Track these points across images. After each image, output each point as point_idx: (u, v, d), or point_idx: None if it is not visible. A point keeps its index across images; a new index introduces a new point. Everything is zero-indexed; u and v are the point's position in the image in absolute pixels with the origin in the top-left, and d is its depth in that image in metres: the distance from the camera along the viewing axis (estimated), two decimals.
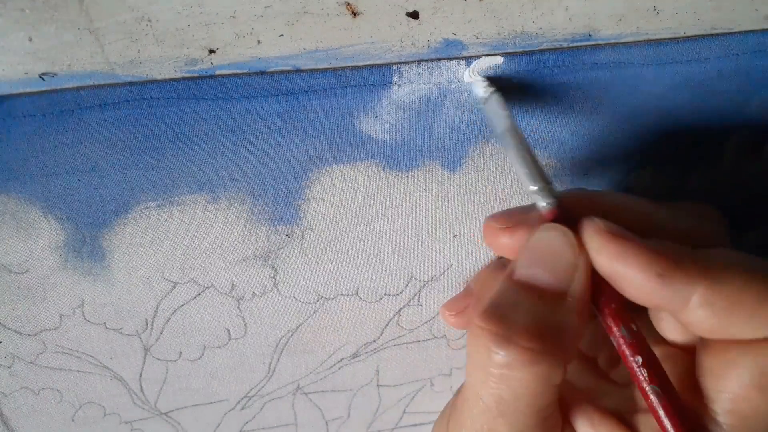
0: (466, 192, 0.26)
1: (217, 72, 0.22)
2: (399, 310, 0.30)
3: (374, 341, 0.31)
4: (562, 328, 0.19)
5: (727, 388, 0.19)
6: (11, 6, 0.19)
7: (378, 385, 0.33)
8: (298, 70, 0.22)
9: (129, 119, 0.22)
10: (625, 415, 0.21)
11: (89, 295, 0.27)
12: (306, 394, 0.32)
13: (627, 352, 0.19)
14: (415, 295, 0.29)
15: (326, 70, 0.22)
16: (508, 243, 0.21)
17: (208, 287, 0.28)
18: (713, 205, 0.25)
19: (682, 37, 0.23)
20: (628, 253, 0.18)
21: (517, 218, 0.21)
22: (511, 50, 0.23)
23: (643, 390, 0.19)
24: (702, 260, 0.18)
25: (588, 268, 0.19)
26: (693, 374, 0.20)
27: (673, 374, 0.20)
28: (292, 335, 0.30)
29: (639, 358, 0.19)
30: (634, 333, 0.19)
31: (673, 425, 0.18)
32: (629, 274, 0.18)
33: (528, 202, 0.22)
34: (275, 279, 0.28)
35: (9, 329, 0.28)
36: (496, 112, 0.22)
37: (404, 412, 0.35)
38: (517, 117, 0.24)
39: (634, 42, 0.23)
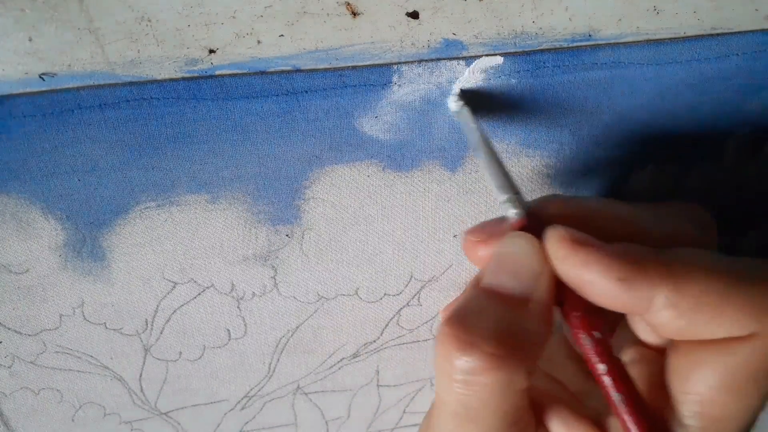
0: (466, 192, 0.26)
1: (217, 72, 0.22)
2: (399, 310, 0.30)
3: (374, 341, 0.31)
4: (525, 334, 0.19)
5: (694, 390, 0.19)
6: (11, 6, 0.19)
7: (378, 385, 0.33)
8: (298, 70, 0.22)
9: (129, 119, 0.22)
10: (602, 417, 0.21)
11: (89, 295, 0.27)
12: (306, 394, 0.32)
13: (591, 359, 0.19)
14: (415, 295, 0.29)
15: (326, 70, 0.22)
16: (484, 255, 0.21)
17: (208, 287, 0.28)
18: (712, 204, 0.25)
19: (682, 37, 0.23)
20: (588, 260, 0.18)
21: (491, 230, 0.21)
22: (511, 50, 0.23)
23: (608, 396, 0.19)
24: (665, 261, 0.18)
25: (551, 275, 0.19)
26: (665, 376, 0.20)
27: (647, 376, 0.20)
28: (292, 335, 0.30)
29: (603, 366, 0.19)
30: (598, 340, 0.19)
31: (639, 431, 0.18)
32: (591, 280, 0.18)
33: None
34: (275, 279, 0.28)
35: (9, 329, 0.28)
36: (467, 125, 0.22)
37: (404, 412, 0.35)
38: (517, 117, 0.24)
39: (634, 42, 0.23)
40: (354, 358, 0.31)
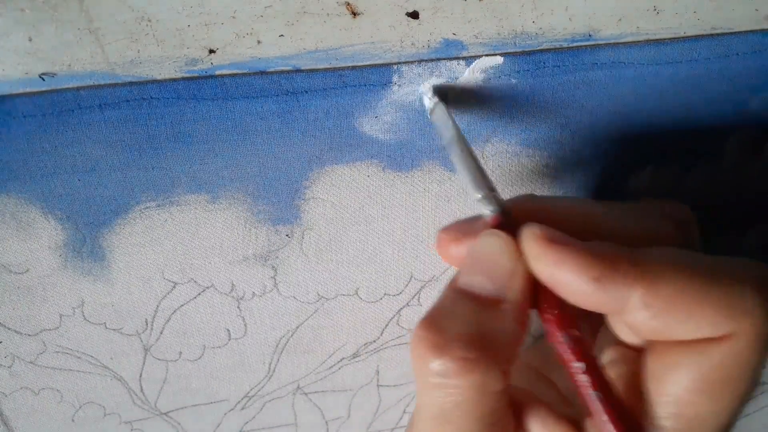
0: (466, 192, 0.26)
1: (217, 72, 0.22)
2: (399, 310, 0.30)
3: (374, 341, 0.31)
4: (498, 336, 0.19)
5: (669, 391, 0.18)
6: (11, 6, 0.19)
7: (378, 385, 0.33)
8: (298, 70, 0.22)
9: (129, 119, 0.22)
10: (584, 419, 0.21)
11: (89, 295, 0.27)
12: (306, 394, 0.32)
13: (567, 358, 0.19)
14: (415, 295, 0.29)
15: (326, 70, 0.22)
16: (458, 254, 0.21)
17: (208, 287, 0.28)
18: (713, 204, 0.25)
19: (682, 37, 0.23)
20: (564, 259, 0.18)
21: (465, 229, 0.21)
22: (511, 50, 0.23)
23: (584, 396, 0.19)
24: (640, 261, 0.18)
25: (526, 274, 0.19)
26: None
27: (626, 376, 0.20)
28: (292, 335, 0.30)
29: (579, 365, 0.19)
30: (574, 339, 0.19)
31: (616, 430, 0.18)
32: (566, 279, 0.18)
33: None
34: (275, 279, 0.28)
35: (9, 329, 0.28)
36: (442, 122, 0.22)
37: (404, 412, 0.35)
38: (517, 117, 0.24)
39: (634, 42, 0.23)
40: (354, 358, 0.31)
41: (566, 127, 0.25)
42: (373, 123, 0.24)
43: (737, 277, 0.18)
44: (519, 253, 0.19)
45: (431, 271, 0.28)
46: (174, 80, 0.22)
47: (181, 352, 0.30)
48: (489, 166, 0.26)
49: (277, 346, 0.30)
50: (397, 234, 0.27)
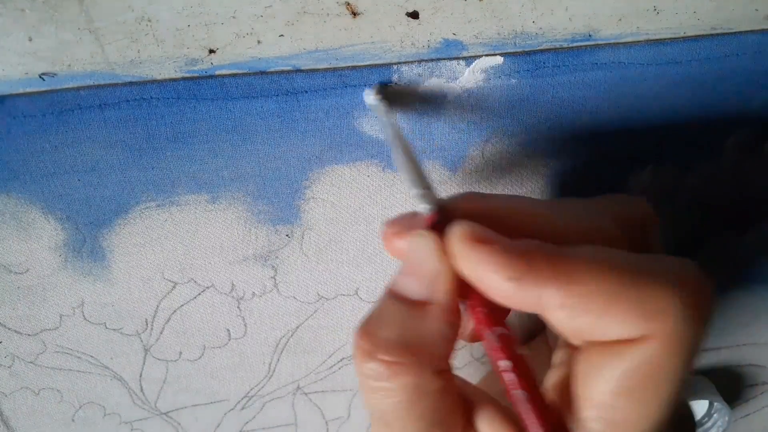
0: (467, 191, 0.26)
1: (217, 72, 0.22)
2: None
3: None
4: (425, 338, 0.19)
5: (593, 395, 0.18)
6: (11, 6, 0.19)
7: None
8: (298, 70, 0.22)
9: (129, 119, 0.22)
10: None
11: (89, 295, 0.27)
12: (306, 394, 0.32)
13: (494, 356, 0.19)
14: None
15: (326, 70, 0.22)
16: (400, 247, 0.21)
17: (208, 287, 0.28)
18: (712, 203, 0.25)
19: (682, 37, 0.23)
20: (483, 258, 0.18)
21: (407, 223, 0.21)
22: (511, 50, 0.23)
23: (510, 394, 0.19)
24: (557, 260, 0.18)
25: (452, 274, 0.19)
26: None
27: (565, 378, 0.20)
28: (292, 335, 0.30)
29: (504, 363, 0.19)
30: (500, 336, 0.19)
31: (539, 429, 0.18)
32: (485, 278, 0.18)
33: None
34: (275, 279, 0.28)
35: (9, 329, 0.28)
36: (382, 119, 0.22)
37: None
38: (517, 117, 0.24)
39: (634, 42, 0.23)
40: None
41: (566, 127, 0.25)
42: (373, 123, 0.24)
43: (655, 277, 0.17)
44: (446, 253, 0.19)
45: None
46: (174, 80, 0.22)
47: (181, 352, 0.30)
48: (489, 166, 0.26)
49: (277, 346, 0.30)
50: None
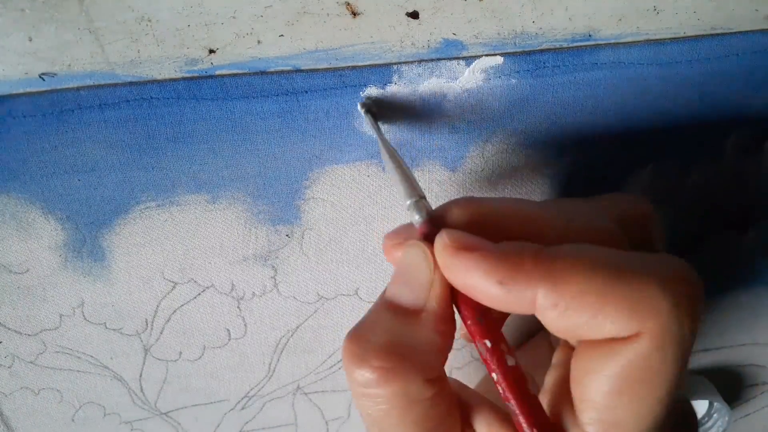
0: (467, 192, 0.26)
1: (217, 72, 0.22)
2: None
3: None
4: (417, 345, 0.19)
5: (589, 396, 0.18)
6: (11, 6, 0.19)
7: None
8: (298, 70, 0.22)
9: (129, 119, 0.22)
10: None
11: (89, 295, 0.27)
12: (306, 394, 0.32)
13: (488, 366, 0.19)
14: None
15: (326, 70, 0.22)
16: (398, 257, 0.21)
17: (208, 287, 0.28)
18: (712, 203, 0.25)
19: (682, 37, 0.23)
20: (470, 264, 0.18)
21: (405, 234, 0.21)
22: (511, 50, 0.23)
23: (506, 400, 0.19)
24: (545, 260, 0.18)
25: (444, 282, 0.19)
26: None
27: (563, 380, 0.20)
28: (292, 335, 0.30)
29: (495, 375, 0.19)
30: (489, 349, 0.19)
31: None
32: (474, 284, 0.18)
33: None
34: (275, 279, 0.28)
35: (9, 329, 0.28)
36: (375, 133, 0.22)
37: None
38: (517, 117, 0.24)
39: (634, 42, 0.23)
40: None
41: (566, 127, 0.25)
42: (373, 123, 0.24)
43: (645, 274, 0.17)
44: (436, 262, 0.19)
45: None
46: (174, 80, 0.22)
47: (181, 352, 0.30)
48: (489, 166, 0.26)
49: (277, 346, 0.30)
50: None
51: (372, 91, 0.23)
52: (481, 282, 0.18)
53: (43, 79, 0.21)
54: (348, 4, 0.21)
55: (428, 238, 0.20)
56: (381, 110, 0.23)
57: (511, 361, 0.19)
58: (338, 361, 0.31)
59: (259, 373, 0.31)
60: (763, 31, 0.23)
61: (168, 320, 0.28)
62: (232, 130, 0.23)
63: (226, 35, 0.21)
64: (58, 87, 0.21)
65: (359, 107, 0.23)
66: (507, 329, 0.25)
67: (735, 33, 0.23)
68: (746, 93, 0.25)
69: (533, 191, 0.27)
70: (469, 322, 0.19)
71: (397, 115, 0.24)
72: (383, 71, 0.23)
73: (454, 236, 0.19)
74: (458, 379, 0.23)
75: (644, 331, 0.17)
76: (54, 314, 0.27)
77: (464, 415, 0.21)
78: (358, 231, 0.27)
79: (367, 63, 0.22)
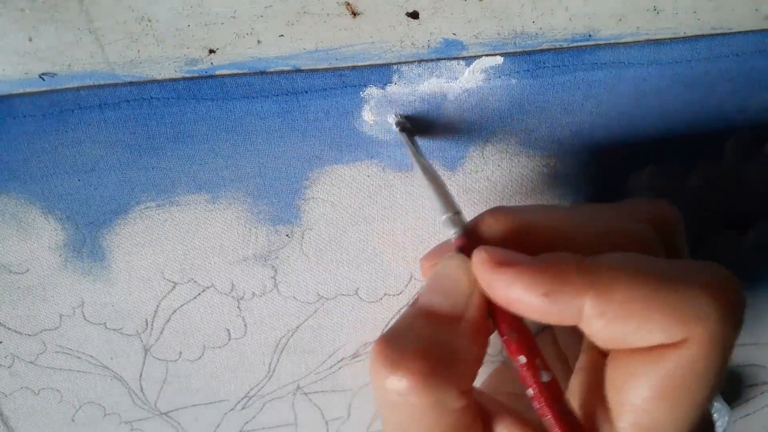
0: (467, 191, 0.26)
1: (217, 72, 0.22)
2: (399, 310, 0.30)
3: (374, 341, 0.31)
4: (454, 353, 0.19)
5: (628, 401, 0.18)
6: (11, 6, 0.19)
7: None
8: (298, 70, 0.22)
9: (129, 119, 0.22)
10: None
11: (89, 295, 0.27)
12: (306, 394, 0.32)
13: (525, 383, 0.19)
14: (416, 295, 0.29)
15: (326, 70, 0.22)
16: None
17: (208, 287, 0.28)
18: (712, 204, 0.25)
19: (682, 37, 0.23)
20: (511, 279, 0.18)
21: (442, 253, 0.21)
22: (511, 50, 0.23)
23: (543, 413, 0.19)
24: (589, 269, 0.18)
25: (482, 294, 0.19)
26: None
27: (593, 384, 0.20)
28: (292, 335, 0.30)
29: (530, 390, 0.19)
30: (523, 365, 0.19)
31: None
32: (517, 298, 0.18)
33: None
34: (275, 279, 0.28)
35: (9, 329, 0.28)
36: (409, 150, 0.23)
37: None
38: (517, 117, 0.24)
39: (634, 42, 0.23)
40: (354, 358, 0.31)
41: (566, 127, 0.25)
42: (373, 123, 0.24)
43: (690, 281, 0.17)
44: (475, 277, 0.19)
45: None
46: (174, 80, 0.22)
47: (181, 352, 0.30)
48: (489, 166, 0.26)
49: (277, 346, 0.30)
50: (397, 234, 0.27)
51: (400, 110, 0.23)
52: (525, 295, 0.18)
53: (43, 79, 0.21)
54: (348, 4, 0.21)
55: (464, 252, 0.20)
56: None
57: (546, 377, 0.19)
58: (338, 361, 0.31)
59: (259, 373, 0.31)
60: (763, 31, 0.23)
61: (168, 320, 0.28)
62: (232, 130, 0.23)
63: (226, 35, 0.21)
64: (58, 87, 0.21)
65: (394, 126, 0.23)
66: None
67: (735, 33, 0.23)
68: (746, 93, 0.25)
69: (533, 191, 0.27)
70: (505, 337, 0.19)
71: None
72: (383, 71, 0.23)
73: (491, 252, 0.19)
74: None
75: (690, 337, 0.17)
76: (54, 314, 0.27)
77: (486, 423, 0.21)
78: (358, 231, 0.27)
79: (367, 63, 0.22)
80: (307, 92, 0.23)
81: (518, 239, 0.19)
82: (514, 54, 0.23)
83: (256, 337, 0.30)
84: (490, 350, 0.32)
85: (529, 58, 0.23)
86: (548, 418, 0.19)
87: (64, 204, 0.24)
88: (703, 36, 0.23)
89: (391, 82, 0.23)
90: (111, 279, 0.27)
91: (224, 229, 0.26)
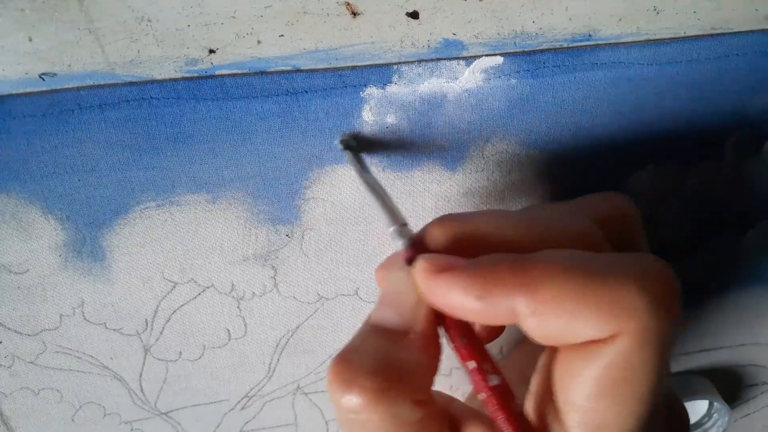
0: (467, 192, 0.26)
1: (217, 72, 0.22)
2: None
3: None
4: (406, 366, 0.19)
5: (572, 399, 0.18)
6: (11, 6, 0.19)
7: None
8: (298, 70, 0.22)
9: (129, 119, 0.22)
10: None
11: (89, 295, 0.27)
12: (306, 394, 0.32)
13: (476, 385, 0.19)
14: None
15: (326, 70, 0.22)
16: None
17: (208, 287, 0.28)
18: (712, 204, 0.25)
19: (682, 37, 0.23)
20: (447, 285, 0.18)
21: (393, 263, 0.21)
22: (511, 50, 0.23)
23: (494, 415, 0.19)
24: (520, 269, 0.18)
25: (428, 305, 0.19)
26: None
27: (548, 384, 0.20)
28: (292, 335, 0.30)
29: (482, 394, 0.19)
30: (473, 370, 0.19)
31: None
32: (454, 303, 0.18)
33: None
34: (275, 279, 0.28)
35: (9, 329, 0.28)
36: (354, 167, 0.23)
37: None
38: (517, 117, 0.24)
39: (634, 42, 0.23)
40: None
41: (566, 127, 0.25)
42: (373, 123, 0.24)
43: (621, 275, 0.17)
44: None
45: None
46: (174, 80, 0.22)
47: (181, 352, 0.30)
48: (489, 166, 0.26)
49: (277, 346, 0.30)
50: None
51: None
52: (461, 299, 0.18)
53: (43, 79, 0.21)
54: (348, 4, 0.21)
55: (412, 263, 0.20)
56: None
57: (495, 380, 0.19)
58: None
59: (259, 373, 0.31)
60: (763, 31, 0.23)
61: (168, 320, 0.28)
62: (232, 130, 0.23)
63: (226, 35, 0.21)
64: (58, 87, 0.21)
65: (338, 144, 0.24)
66: (505, 330, 0.25)
67: (735, 33, 0.23)
68: (746, 93, 0.25)
69: (533, 191, 0.27)
70: (454, 345, 0.19)
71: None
72: (383, 71, 0.23)
73: (430, 260, 0.19)
74: (447, 384, 0.23)
75: (623, 332, 0.17)
76: (54, 314, 0.27)
77: (454, 430, 0.21)
78: (358, 231, 0.27)
79: (367, 63, 0.22)
80: (307, 92, 0.23)
81: (463, 246, 0.19)
82: (514, 54, 0.23)
83: (256, 337, 0.30)
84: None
85: (529, 58, 0.23)
86: (499, 420, 0.19)
87: (64, 204, 0.24)
88: (703, 36, 0.23)
89: (391, 82, 0.23)
90: (111, 279, 0.27)
91: (224, 229, 0.26)
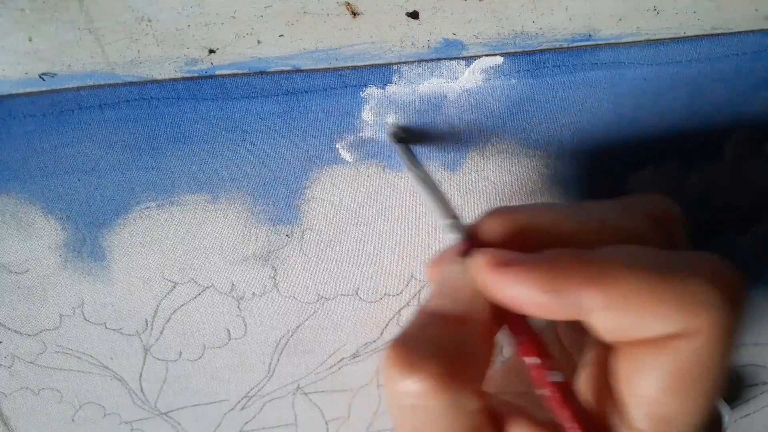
0: (467, 192, 0.26)
1: (217, 72, 0.22)
2: (399, 310, 0.30)
3: (374, 341, 0.31)
4: (466, 354, 0.19)
5: (639, 392, 0.18)
6: (11, 6, 0.19)
7: (378, 385, 0.33)
8: (298, 70, 0.22)
9: (129, 119, 0.22)
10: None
11: (89, 295, 0.27)
12: (306, 394, 0.32)
13: (535, 382, 0.19)
14: (415, 295, 0.29)
15: (326, 70, 0.22)
16: None
17: (208, 287, 0.28)
18: (713, 203, 0.25)
19: (682, 37, 0.23)
20: (512, 279, 0.18)
21: (445, 258, 0.21)
22: (511, 50, 0.23)
23: (559, 413, 0.19)
24: (591, 263, 0.18)
25: (484, 298, 0.19)
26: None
27: (602, 378, 0.20)
28: (292, 335, 0.30)
29: (546, 390, 0.19)
30: (534, 366, 0.19)
31: None
32: (521, 297, 0.18)
33: None
34: (275, 279, 0.28)
35: (9, 329, 0.28)
36: (405, 161, 0.23)
37: None
38: (517, 117, 0.24)
39: (634, 42, 0.23)
40: (354, 358, 0.31)
41: (566, 127, 0.25)
42: (373, 123, 0.24)
43: (692, 271, 0.17)
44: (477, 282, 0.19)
45: None
46: (174, 80, 0.22)
47: (181, 352, 0.30)
48: (489, 166, 0.26)
49: (277, 346, 0.30)
50: (397, 234, 0.27)
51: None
52: (529, 293, 0.18)
53: (43, 79, 0.21)
54: (348, 4, 0.21)
55: (466, 256, 0.20)
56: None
57: (559, 377, 0.19)
58: (338, 361, 0.31)
59: (259, 373, 0.31)
60: (763, 31, 0.23)
61: (168, 320, 0.28)
62: (232, 130, 0.23)
63: (226, 35, 0.21)
64: (58, 87, 0.21)
65: (390, 138, 0.24)
66: None
67: (735, 33, 0.23)
68: (746, 93, 0.25)
69: (533, 191, 0.27)
70: (516, 338, 0.19)
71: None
72: (383, 71, 0.23)
73: (491, 254, 0.19)
74: None
75: (697, 327, 0.17)
76: (54, 314, 0.27)
77: (498, 425, 0.20)
78: (358, 231, 0.27)
79: (367, 63, 0.22)
80: (307, 92, 0.23)
81: (518, 239, 0.19)
82: (514, 54, 0.23)
83: (256, 337, 0.30)
84: None
85: (529, 58, 0.23)
86: (564, 418, 0.18)
87: (64, 204, 0.24)
88: (703, 36, 0.23)
89: (391, 82, 0.23)
90: (111, 279, 0.27)
91: (224, 229, 0.26)
